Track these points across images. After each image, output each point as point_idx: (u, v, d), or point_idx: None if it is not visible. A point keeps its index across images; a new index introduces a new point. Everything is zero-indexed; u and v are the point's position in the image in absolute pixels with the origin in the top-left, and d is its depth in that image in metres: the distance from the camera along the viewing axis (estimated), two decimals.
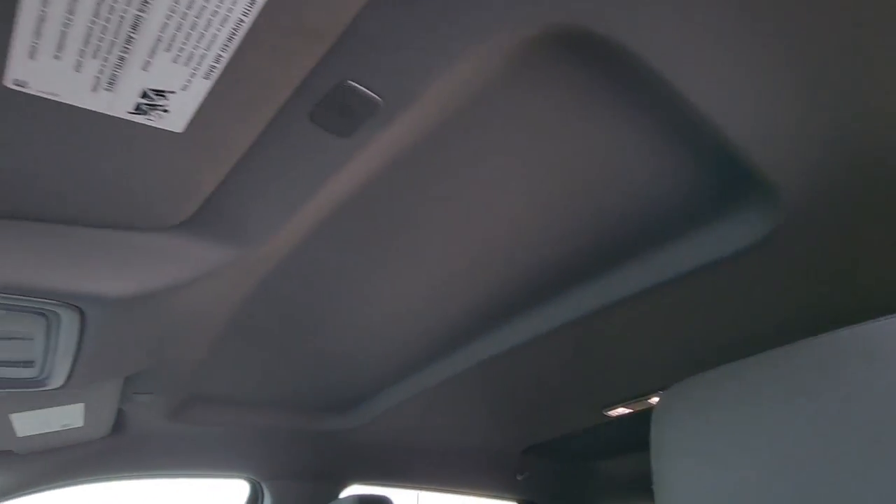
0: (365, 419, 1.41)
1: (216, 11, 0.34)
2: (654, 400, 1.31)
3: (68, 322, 0.59)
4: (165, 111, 0.41)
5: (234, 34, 0.36)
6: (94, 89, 0.38)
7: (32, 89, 0.36)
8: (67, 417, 1.04)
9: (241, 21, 0.35)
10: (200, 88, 0.40)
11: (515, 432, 1.66)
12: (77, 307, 0.57)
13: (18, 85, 0.36)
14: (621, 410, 1.40)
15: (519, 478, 1.89)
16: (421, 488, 1.82)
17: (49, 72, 0.35)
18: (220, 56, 0.38)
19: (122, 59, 0.36)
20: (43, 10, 0.31)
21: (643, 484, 1.93)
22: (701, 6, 0.45)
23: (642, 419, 1.46)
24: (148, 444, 1.31)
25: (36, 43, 0.33)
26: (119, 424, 1.22)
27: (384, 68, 0.45)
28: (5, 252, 0.51)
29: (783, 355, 0.59)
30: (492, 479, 1.88)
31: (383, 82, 0.46)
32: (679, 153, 0.64)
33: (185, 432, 1.31)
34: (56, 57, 0.34)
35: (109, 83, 0.37)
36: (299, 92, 0.45)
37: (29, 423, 1.00)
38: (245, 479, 1.53)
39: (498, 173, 0.66)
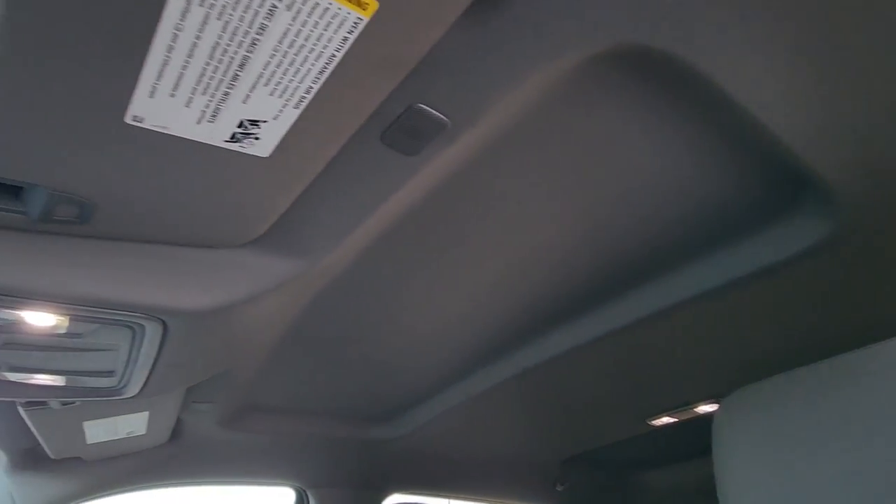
0: (407, 429, 1.43)
1: (313, 48, 0.37)
2: (702, 409, 1.29)
3: (151, 334, 0.64)
4: (257, 139, 0.45)
5: (325, 67, 0.39)
6: (199, 122, 0.41)
7: (147, 124, 0.40)
8: (132, 425, 1.10)
9: (334, 56, 0.38)
10: (289, 117, 0.43)
11: (555, 442, 1.65)
12: (161, 320, 0.62)
13: (136, 121, 0.40)
14: (665, 420, 1.38)
15: (559, 488, 1.87)
16: (460, 498, 1.83)
17: (163, 108, 0.39)
18: (311, 87, 0.41)
19: (226, 94, 0.40)
20: (167, 56, 0.35)
21: (687, 495, 1.88)
22: (756, 13, 0.46)
23: (687, 428, 1.43)
24: (202, 451, 1.36)
25: (157, 84, 0.37)
26: (176, 432, 1.27)
27: (453, 91, 0.48)
28: (104, 270, 0.55)
29: (850, 361, 0.59)
30: (531, 489, 1.87)
31: (451, 104, 0.49)
32: (731, 159, 0.65)
33: (236, 440, 1.36)
34: (171, 95, 0.38)
35: (213, 116, 0.41)
36: (373, 115, 0.48)
37: (98, 431, 1.05)
38: (291, 486, 1.57)
39: (549, 185, 0.68)
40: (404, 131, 0.51)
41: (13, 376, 0.68)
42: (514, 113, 0.53)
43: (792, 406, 0.62)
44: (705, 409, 1.29)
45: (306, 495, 1.55)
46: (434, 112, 0.49)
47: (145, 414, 1.05)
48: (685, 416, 1.35)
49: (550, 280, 0.89)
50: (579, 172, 0.66)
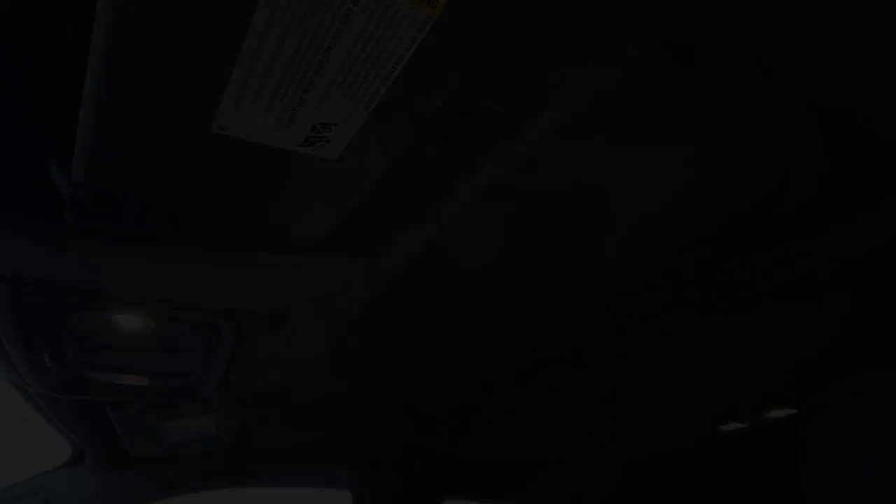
0: (463, 434, 1.43)
1: (384, 49, 0.39)
2: (776, 414, 1.21)
3: (227, 334, 0.67)
4: (327, 142, 0.47)
5: (395, 67, 0.40)
6: (276, 127, 0.44)
7: (230, 132, 0.43)
8: (203, 426, 1.15)
9: (403, 55, 0.40)
10: (359, 118, 0.45)
11: (616, 448, 1.60)
12: (236, 320, 0.65)
13: (221, 129, 0.42)
14: (736, 426, 1.31)
15: (620, 498, 1.81)
16: None
17: (246, 116, 0.41)
18: (380, 88, 0.42)
19: (302, 99, 0.41)
20: (252, 65, 0.37)
21: None
22: None
23: (758, 438, 1.35)
24: (265, 454, 1.41)
25: (241, 93, 0.39)
26: (242, 434, 1.33)
27: (514, 84, 0.48)
28: (186, 273, 0.59)
29: None
30: (589, 496, 1.81)
31: (512, 97, 0.49)
32: (821, 143, 0.61)
33: (297, 443, 1.40)
34: (253, 103, 0.40)
35: (289, 121, 0.43)
36: (436, 112, 0.49)
37: (174, 431, 1.12)
38: (349, 490, 1.60)
39: (616, 178, 0.66)
40: (466, 127, 0.51)
41: (105, 377, 0.74)
42: (575, 103, 0.53)
43: (889, 406, 0.57)
44: (779, 414, 1.21)
45: (364, 499, 1.58)
46: (495, 106, 0.49)
47: (214, 416, 1.11)
48: (757, 422, 1.27)
49: (611, 276, 0.87)
50: (646, 163, 0.64)
